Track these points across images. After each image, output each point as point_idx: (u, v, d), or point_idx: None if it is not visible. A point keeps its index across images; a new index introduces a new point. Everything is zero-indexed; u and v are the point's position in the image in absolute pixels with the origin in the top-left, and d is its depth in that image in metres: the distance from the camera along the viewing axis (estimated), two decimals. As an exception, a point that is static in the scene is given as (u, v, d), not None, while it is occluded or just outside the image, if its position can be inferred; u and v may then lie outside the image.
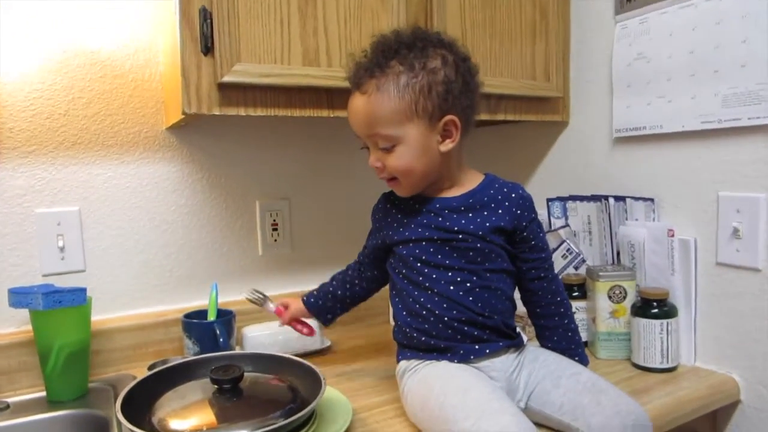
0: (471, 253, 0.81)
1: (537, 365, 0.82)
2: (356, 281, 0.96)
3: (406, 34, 0.82)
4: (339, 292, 0.97)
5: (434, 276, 0.81)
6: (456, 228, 0.81)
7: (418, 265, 0.82)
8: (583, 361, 0.88)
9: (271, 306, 1.02)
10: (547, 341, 0.90)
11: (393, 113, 0.78)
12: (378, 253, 0.92)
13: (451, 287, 0.81)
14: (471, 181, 0.86)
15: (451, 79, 0.79)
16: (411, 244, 0.83)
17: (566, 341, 0.89)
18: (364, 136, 0.83)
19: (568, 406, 0.75)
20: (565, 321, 0.89)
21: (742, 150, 0.93)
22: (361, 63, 0.81)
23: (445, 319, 0.80)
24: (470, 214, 0.82)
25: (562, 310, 0.89)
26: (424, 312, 0.82)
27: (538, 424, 0.78)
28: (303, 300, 0.99)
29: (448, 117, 0.80)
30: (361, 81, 0.80)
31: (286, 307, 1.01)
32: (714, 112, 0.95)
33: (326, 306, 0.98)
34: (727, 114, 0.93)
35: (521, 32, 1.13)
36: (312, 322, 1.04)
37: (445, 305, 0.81)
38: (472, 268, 0.81)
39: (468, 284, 0.81)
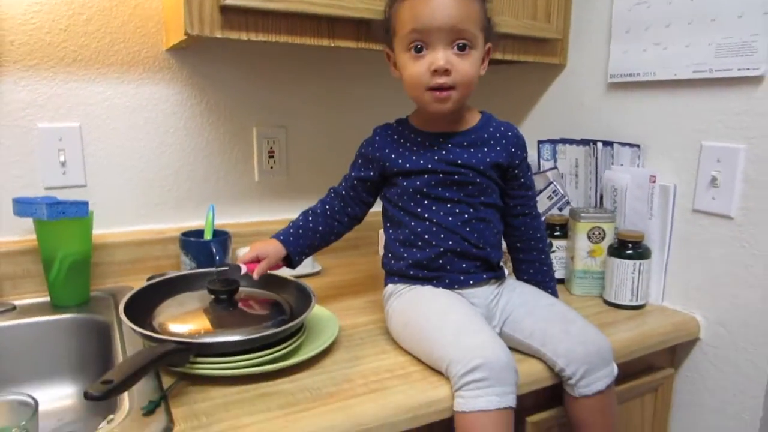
0: (470, 187, 0.86)
1: (514, 295, 0.88)
2: (337, 217, 0.93)
3: None
4: (321, 228, 0.92)
5: (433, 208, 0.86)
6: (459, 161, 0.85)
7: (418, 197, 0.86)
8: (555, 294, 0.94)
9: (243, 269, 0.87)
10: (523, 274, 0.95)
11: (478, 17, 0.81)
12: (366, 186, 0.92)
13: (450, 218, 0.85)
14: (471, 118, 0.89)
15: (489, 15, 0.84)
16: (413, 176, 0.86)
17: (541, 274, 0.95)
18: (443, 30, 0.78)
19: (539, 333, 0.81)
20: (542, 256, 0.95)
21: (729, 101, 0.95)
22: None
23: (441, 249, 0.85)
24: (472, 150, 0.86)
25: (540, 245, 0.95)
26: (420, 242, 0.86)
27: (510, 348, 0.85)
28: (281, 240, 0.90)
29: (489, 44, 0.85)
30: None
31: (258, 260, 0.89)
32: (706, 62, 0.97)
33: (306, 244, 0.92)
34: (719, 64, 0.95)
35: (525, -30, 1.12)
36: None
37: (442, 235, 0.85)
38: (469, 201, 0.86)
39: (465, 215, 0.86)
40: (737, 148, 0.94)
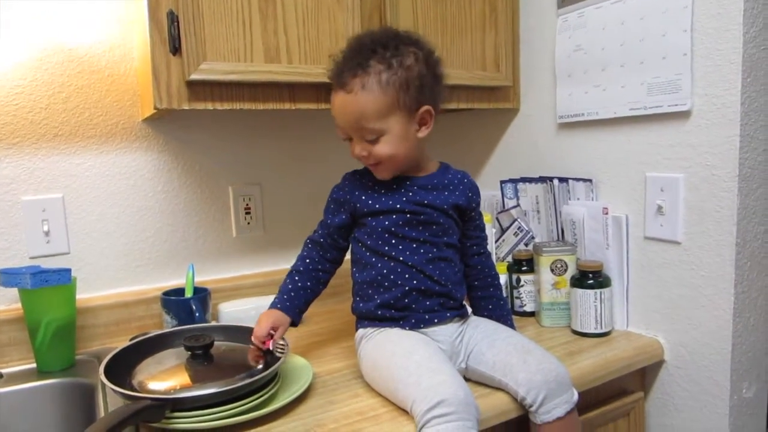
0: (434, 227, 0.92)
1: (476, 331, 0.93)
2: (320, 267, 0.97)
3: (378, 33, 0.91)
4: (309, 284, 0.96)
5: (400, 247, 0.91)
6: (426, 201, 0.92)
7: (386, 236, 0.92)
8: (512, 327, 0.99)
9: (271, 346, 0.90)
10: (482, 310, 1.01)
11: (378, 109, 0.86)
12: (341, 231, 0.97)
13: (415, 256, 0.91)
14: (431, 166, 0.97)
15: (423, 73, 0.89)
16: (381, 216, 0.92)
17: (499, 309, 1.01)
18: (350, 130, 0.89)
19: (500, 364, 0.86)
20: (498, 292, 1.02)
21: (664, 134, 1.03)
22: (343, 63, 0.89)
23: (406, 288, 0.90)
24: (435, 192, 0.93)
25: (496, 282, 1.01)
26: (386, 282, 0.91)
27: (477, 382, 0.89)
28: (280, 309, 0.94)
29: (425, 107, 0.89)
30: (344, 80, 0.87)
31: (272, 330, 0.91)
32: (640, 100, 1.05)
33: (301, 303, 0.96)
34: (651, 101, 1.03)
35: (471, 26, 1.21)
36: None
37: (407, 275, 0.90)
38: (433, 240, 0.92)
39: (429, 254, 0.92)
40: (677, 178, 1.01)
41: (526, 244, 1.27)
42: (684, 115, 0.99)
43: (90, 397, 0.97)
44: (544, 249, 1.15)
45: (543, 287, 1.16)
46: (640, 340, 1.07)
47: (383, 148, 0.88)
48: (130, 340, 1.04)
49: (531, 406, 0.82)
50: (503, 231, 1.30)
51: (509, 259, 1.27)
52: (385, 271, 0.91)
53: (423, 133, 0.91)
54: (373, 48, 0.87)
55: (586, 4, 1.13)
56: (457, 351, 0.91)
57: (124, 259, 1.21)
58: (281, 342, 0.91)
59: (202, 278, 1.25)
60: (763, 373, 1.04)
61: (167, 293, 1.15)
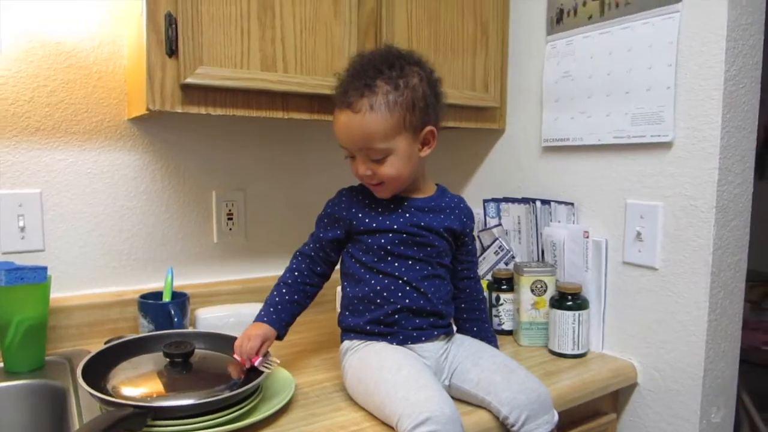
0: (429, 249, 0.93)
1: (461, 349, 0.94)
2: (308, 281, 0.96)
3: (382, 53, 0.91)
4: (297, 297, 0.95)
5: (396, 264, 0.92)
6: (422, 223, 0.93)
7: (382, 253, 0.92)
8: (497, 348, 1.00)
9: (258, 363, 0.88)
10: (467, 332, 1.02)
11: (386, 130, 0.86)
12: (334, 246, 0.97)
13: (411, 273, 0.92)
14: (428, 188, 0.98)
15: (428, 93, 0.90)
16: (378, 234, 0.92)
17: (484, 331, 1.02)
18: (355, 149, 0.89)
19: (484, 382, 0.87)
20: (484, 315, 1.04)
21: (645, 163, 1.06)
22: (348, 82, 0.88)
23: (398, 306, 0.90)
24: (431, 215, 0.94)
25: (483, 306, 1.04)
26: (378, 299, 0.91)
27: (459, 400, 0.89)
28: (267, 323, 0.91)
29: (428, 128, 0.91)
30: (351, 100, 0.86)
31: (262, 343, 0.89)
32: (624, 129, 1.08)
33: (288, 316, 0.94)
34: (635, 131, 1.06)
35: (463, 47, 1.23)
36: None
37: (400, 293, 0.91)
38: (428, 260, 0.93)
39: (425, 272, 0.92)
40: (656, 206, 1.04)
41: (506, 264, 1.29)
42: (666, 146, 1.03)
43: (60, 400, 0.94)
44: (524, 269, 1.17)
45: (522, 307, 1.18)
46: (615, 363, 1.10)
47: (388, 169, 0.89)
48: (105, 343, 1.01)
49: (513, 425, 0.82)
50: (484, 249, 1.32)
51: (489, 277, 1.29)
52: (378, 287, 0.91)
53: (425, 152, 0.92)
54: (379, 68, 0.88)
55: (575, 32, 1.16)
56: (442, 368, 0.92)
57: (101, 259, 1.18)
58: (270, 359, 0.89)
59: (179, 282, 1.23)
60: (731, 399, 1.08)
61: (145, 296, 1.13)
